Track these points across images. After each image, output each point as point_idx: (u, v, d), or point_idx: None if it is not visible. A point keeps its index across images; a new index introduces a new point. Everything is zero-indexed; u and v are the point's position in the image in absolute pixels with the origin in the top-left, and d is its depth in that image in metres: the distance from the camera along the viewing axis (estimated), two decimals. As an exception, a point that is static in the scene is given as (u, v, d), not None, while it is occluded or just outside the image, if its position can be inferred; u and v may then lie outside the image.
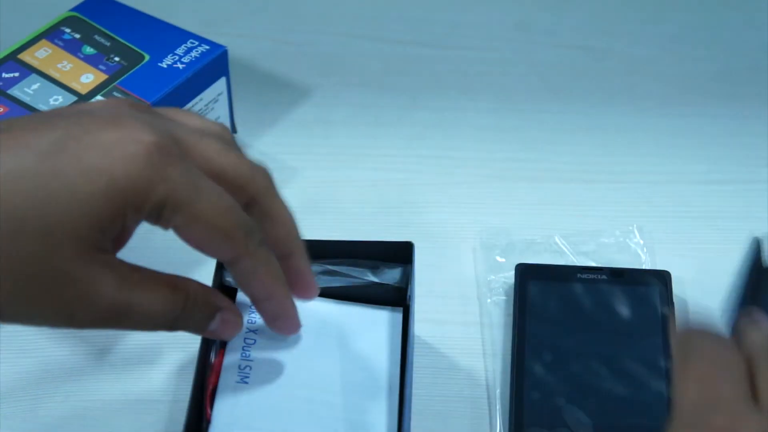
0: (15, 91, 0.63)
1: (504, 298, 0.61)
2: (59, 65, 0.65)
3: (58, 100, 0.62)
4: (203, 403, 0.48)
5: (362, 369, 0.50)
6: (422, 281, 0.57)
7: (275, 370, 0.48)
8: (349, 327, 0.51)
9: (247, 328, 0.50)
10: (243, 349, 0.49)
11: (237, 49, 0.75)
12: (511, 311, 0.59)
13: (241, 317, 0.46)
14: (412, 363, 0.58)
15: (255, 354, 0.49)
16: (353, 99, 0.74)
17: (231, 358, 0.49)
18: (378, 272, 0.53)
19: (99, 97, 0.62)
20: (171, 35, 0.66)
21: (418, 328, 0.59)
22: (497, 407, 0.56)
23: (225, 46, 0.66)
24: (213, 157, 0.42)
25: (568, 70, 0.77)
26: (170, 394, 0.56)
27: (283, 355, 0.49)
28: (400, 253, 0.53)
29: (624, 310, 0.58)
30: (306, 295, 0.48)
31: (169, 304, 0.42)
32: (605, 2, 0.82)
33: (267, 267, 0.44)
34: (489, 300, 0.61)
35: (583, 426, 0.54)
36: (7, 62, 0.65)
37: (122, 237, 0.42)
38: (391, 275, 0.53)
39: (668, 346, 0.57)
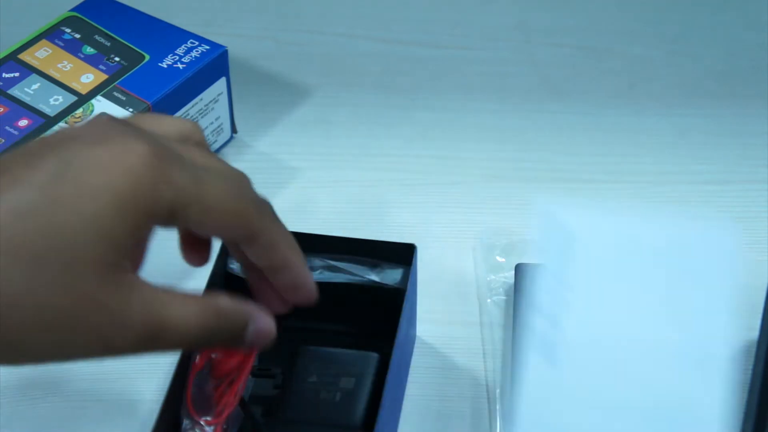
0: (15, 91, 0.63)
1: (504, 298, 0.61)
2: (59, 65, 0.65)
3: (58, 100, 0.62)
4: (178, 405, 0.48)
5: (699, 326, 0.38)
6: (422, 281, 0.57)
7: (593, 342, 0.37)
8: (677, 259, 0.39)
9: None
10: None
11: (237, 49, 0.75)
12: (511, 311, 0.59)
13: (273, 324, 0.44)
14: (408, 363, 0.58)
15: (564, 316, 0.36)
16: (353, 99, 0.74)
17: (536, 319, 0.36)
18: (379, 271, 0.53)
19: (99, 97, 0.62)
20: (171, 35, 0.66)
21: (419, 328, 0.59)
22: (497, 407, 0.56)
23: (225, 46, 0.66)
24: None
25: (568, 70, 0.77)
26: (170, 394, 0.56)
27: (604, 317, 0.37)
28: (402, 254, 0.53)
29: (624, 310, 0.58)
30: (306, 303, 0.48)
31: (201, 318, 0.41)
32: (605, 2, 0.82)
33: (284, 238, 0.45)
34: (489, 300, 0.61)
35: (583, 426, 0.53)
36: (7, 62, 0.65)
37: (139, 252, 0.42)
38: (391, 275, 0.53)
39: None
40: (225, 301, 0.42)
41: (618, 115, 0.73)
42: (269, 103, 0.74)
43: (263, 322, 0.44)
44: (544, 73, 0.77)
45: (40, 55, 0.65)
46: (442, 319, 0.60)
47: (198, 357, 0.49)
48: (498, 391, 0.56)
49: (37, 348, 0.38)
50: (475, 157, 0.70)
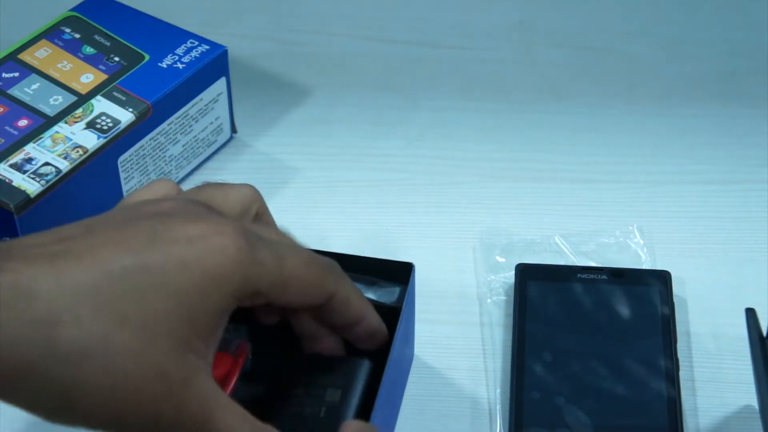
0: (15, 91, 0.63)
1: (504, 298, 0.61)
2: (59, 65, 0.65)
3: (58, 100, 0.62)
4: None
5: None
6: (422, 281, 0.57)
7: None
8: None
9: None
10: None
11: (237, 49, 0.75)
12: (511, 311, 0.59)
13: None
14: (404, 383, 0.58)
15: None
16: (353, 99, 0.74)
17: None
18: (376, 289, 0.52)
19: (99, 97, 0.62)
20: (171, 35, 0.67)
21: (418, 328, 0.59)
22: (497, 407, 0.56)
23: (225, 46, 0.66)
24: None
25: (568, 70, 0.77)
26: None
27: None
28: (400, 273, 0.52)
29: (624, 310, 0.58)
30: (380, 346, 0.49)
31: None
32: (605, 2, 0.82)
33: (354, 293, 0.47)
34: (489, 300, 0.61)
35: (583, 426, 0.54)
36: (7, 62, 0.65)
37: (212, 340, 0.41)
38: (389, 294, 0.52)
39: (668, 346, 0.57)
40: None
41: (618, 115, 0.73)
42: (269, 103, 0.74)
43: None
44: (544, 73, 0.77)
45: (40, 55, 0.65)
46: (442, 319, 0.60)
47: None
48: (498, 391, 0.56)
49: (87, 402, 0.37)
50: (475, 157, 0.70)
